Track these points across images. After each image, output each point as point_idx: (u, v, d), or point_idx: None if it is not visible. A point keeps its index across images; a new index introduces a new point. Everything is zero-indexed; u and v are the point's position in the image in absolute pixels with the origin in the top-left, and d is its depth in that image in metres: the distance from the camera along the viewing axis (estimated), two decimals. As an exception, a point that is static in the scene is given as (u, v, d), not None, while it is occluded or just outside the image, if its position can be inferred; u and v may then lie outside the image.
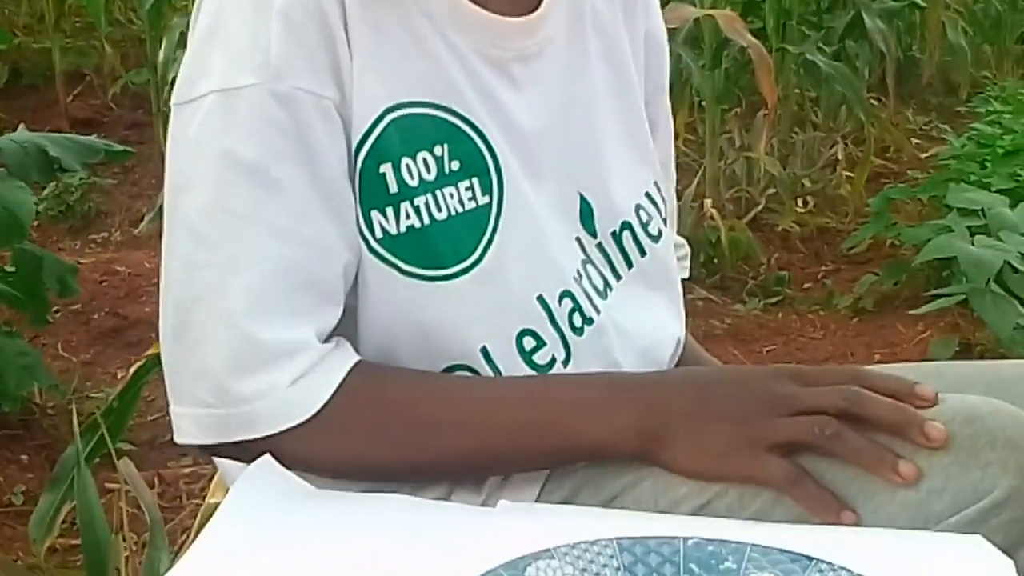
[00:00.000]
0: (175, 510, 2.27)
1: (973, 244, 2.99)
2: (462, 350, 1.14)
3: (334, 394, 1.08)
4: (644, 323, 1.26)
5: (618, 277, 1.25)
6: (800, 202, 4.12)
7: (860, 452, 1.04)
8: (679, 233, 1.44)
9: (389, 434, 1.11)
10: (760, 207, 3.96)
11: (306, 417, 1.07)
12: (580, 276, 1.21)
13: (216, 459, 1.24)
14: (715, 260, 3.62)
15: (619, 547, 0.96)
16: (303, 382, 1.08)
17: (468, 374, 1.14)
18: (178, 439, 1.12)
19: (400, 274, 1.12)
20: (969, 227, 3.13)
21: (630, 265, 1.27)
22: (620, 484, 1.11)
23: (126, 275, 3.42)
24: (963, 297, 2.97)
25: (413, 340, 1.13)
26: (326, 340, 1.11)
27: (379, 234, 1.12)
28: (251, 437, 1.08)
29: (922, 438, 1.03)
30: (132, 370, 2.02)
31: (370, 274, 1.12)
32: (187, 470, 2.45)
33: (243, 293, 1.07)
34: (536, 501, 1.12)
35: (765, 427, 1.06)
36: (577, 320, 1.19)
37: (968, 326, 3.15)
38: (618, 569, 0.95)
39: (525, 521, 1.06)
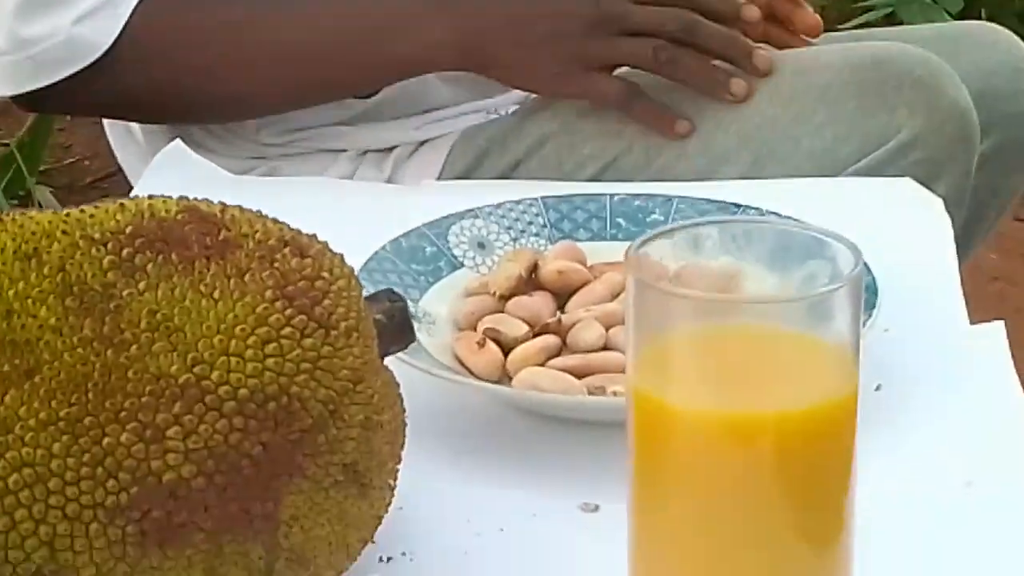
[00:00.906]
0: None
1: (902, -47, 2.94)
2: None
3: (125, 28, 1.05)
4: None
5: None
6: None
7: (694, 74, 1.06)
8: None
9: (195, 64, 1.09)
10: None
11: (95, 56, 1.05)
12: None
13: (124, 167, 1.23)
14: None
15: (544, 205, 0.95)
16: (88, 21, 1.05)
17: None
18: None
19: None
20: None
21: None
22: (523, 147, 1.11)
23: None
24: (890, 10, 2.94)
25: None
26: None
27: None
28: (47, 82, 1.06)
29: (752, 67, 1.05)
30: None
31: None
32: (109, 211, 2.40)
33: None
34: (440, 171, 1.12)
35: (599, 46, 1.07)
36: None
37: (895, 42, 3.12)
38: (544, 226, 0.94)
39: (449, 192, 1.05)
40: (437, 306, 0.87)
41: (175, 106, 1.11)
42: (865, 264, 0.80)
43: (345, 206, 1.02)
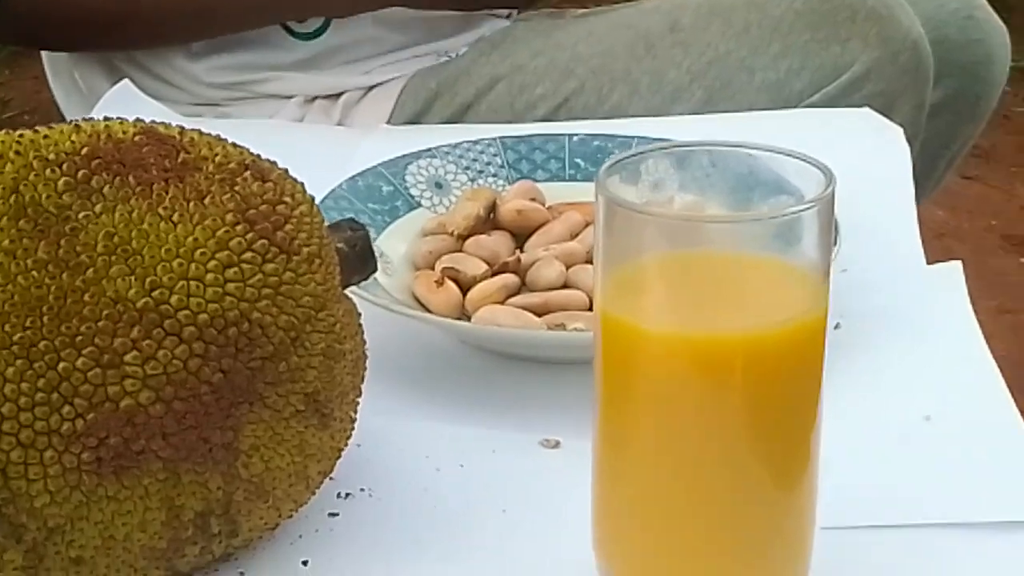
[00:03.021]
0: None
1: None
2: None
3: None
4: None
5: None
6: None
7: None
8: None
9: None
10: None
11: None
12: None
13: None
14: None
15: (503, 145, 0.94)
16: None
17: None
18: None
19: None
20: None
21: None
22: (473, 89, 1.10)
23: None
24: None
25: None
26: None
27: None
28: None
29: None
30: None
31: None
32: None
33: None
34: (390, 116, 1.10)
35: None
36: None
37: None
38: (502, 166, 0.93)
39: (404, 134, 1.04)
40: (394, 246, 0.86)
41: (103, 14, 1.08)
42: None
43: (298, 148, 0.99)
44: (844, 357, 0.77)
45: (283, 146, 1.00)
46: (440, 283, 0.81)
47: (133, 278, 0.52)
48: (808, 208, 0.52)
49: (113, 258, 0.52)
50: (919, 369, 0.77)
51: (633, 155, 0.57)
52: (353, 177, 0.87)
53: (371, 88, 1.13)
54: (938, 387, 0.76)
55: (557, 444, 0.71)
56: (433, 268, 0.83)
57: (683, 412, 0.54)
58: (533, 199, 0.89)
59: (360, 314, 0.62)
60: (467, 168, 0.92)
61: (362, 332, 0.62)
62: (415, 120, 1.11)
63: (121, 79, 1.07)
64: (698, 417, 0.54)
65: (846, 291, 0.84)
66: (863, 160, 0.93)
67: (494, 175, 0.92)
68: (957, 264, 0.87)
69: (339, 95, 1.13)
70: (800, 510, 0.58)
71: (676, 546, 0.57)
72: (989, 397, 0.74)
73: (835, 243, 0.80)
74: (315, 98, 1.13)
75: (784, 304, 0.54)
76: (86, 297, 0.52)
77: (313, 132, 1.07)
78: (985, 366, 0.77)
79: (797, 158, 0.56)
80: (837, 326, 0.81)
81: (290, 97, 1.13)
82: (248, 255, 0.54)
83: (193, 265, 0.53)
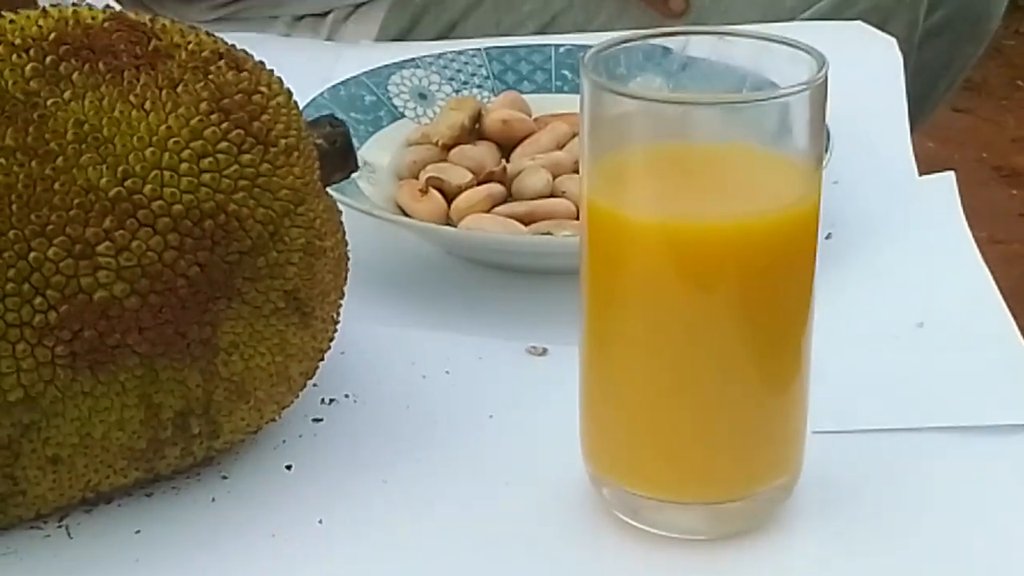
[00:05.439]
0: None
1: None
2: None
3: None
4: None
5: None
6: None
7: None
8: None
9: None
10: None
11: None
12: None
13: None
14: None
15: (488, 56, 0.92)
16: None
17: None
18: None
19: None
20: None
21: None
22: (461, 6, 1.08)
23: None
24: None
25: None
26: None
27: None
28: None
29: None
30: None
31: None
32: None
33: None
34: (377, 34, 1.08)
35: None
36: None
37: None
38: (487, 77, 0.91)
39: (390, 48, 1.02)
40: (377, 156, 0.84)
41: None
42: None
43: (283, 61, 0.98)
44: (836, 266, 0.76)
45: (268, 60, 0.99)
46: (424, 192, 0.79)
47: (104, 167, 0.51)
48: (800, 91, 0.51)
49: (83, 146, 0.51)
50: (912, 277, 0.76)
51: (618, 43, 0.55)
52: (335, 86, 0.86)
53: (358, 6, 1.11)
54: (931, 294, 0.74)
55: (544, 352, 0.70)
56: (417, 178, 0.81)
57: (671, 307, 0.53)
58: (519, 110, 0.87)
59: (341, 212, 0.61)
60: (451, 79, 0.90)
61: (343, 231, 0.60)
62: (401, 39, 1.09)
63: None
64: (687, 313, 0.53)
65: (838, 202, 0.83)
66: (855, 72, 0.91)
67: (479, 86, 0.90)
68: (949, 175, 0.86)
69: (326, 14, 1.11)
70: (792, 412, 0.57)
71: (665, 449, 0.56)
72: (982, 303, 0.73)
73: (827, 149, 0.78)
74: (302, 17, 1.11)
75: (776, 193, 0.52)
76: (56, 186, 0.50)
77: (297, 46, 1.05)
78: (978, 273, 0.75)
79: (787, 44, 0.54)
80: (828, 236, 0.80)
81: (276, 17, 1.11)
82: (223, 145, 0.53)
83: (166, 154, 0.52)
